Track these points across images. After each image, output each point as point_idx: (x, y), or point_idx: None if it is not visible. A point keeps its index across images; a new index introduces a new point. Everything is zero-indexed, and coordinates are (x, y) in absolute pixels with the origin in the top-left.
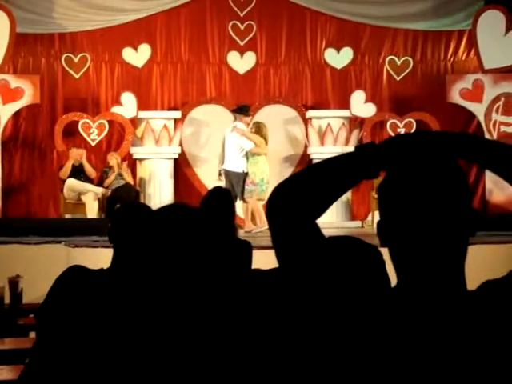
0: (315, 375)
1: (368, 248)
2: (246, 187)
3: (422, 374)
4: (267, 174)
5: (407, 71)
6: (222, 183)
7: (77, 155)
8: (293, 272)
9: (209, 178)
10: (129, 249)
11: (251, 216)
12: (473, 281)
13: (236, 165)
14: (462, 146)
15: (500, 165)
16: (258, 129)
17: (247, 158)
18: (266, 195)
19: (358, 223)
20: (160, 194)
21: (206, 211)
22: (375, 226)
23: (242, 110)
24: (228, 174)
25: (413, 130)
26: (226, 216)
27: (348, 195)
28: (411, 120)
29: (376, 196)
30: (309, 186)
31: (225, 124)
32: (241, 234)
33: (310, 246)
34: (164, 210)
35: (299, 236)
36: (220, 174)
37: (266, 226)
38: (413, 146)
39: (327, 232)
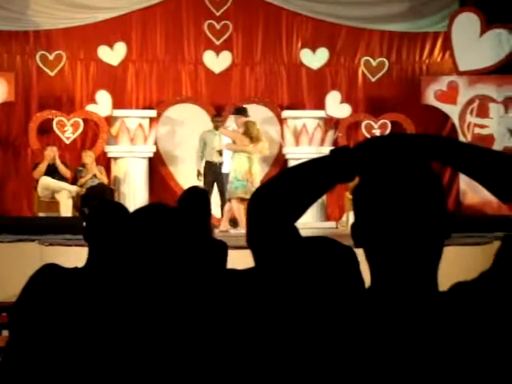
0: (289, 376)
1: (343, 249)
2: (226, 185)
3: (394, 373)
4: (247, 171)
5: (382, 72)
6: (201, 183)
7: (51, 153)
8: (268, 272)
9: (184, 177)
10: (104, 247)
11: (231, 216)
12: (446, 282)
13: (227, 166)
14: (436, 149)
15: (473, 167)
16: (246, 127)
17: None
18: (247, 193)
19: (332, 224)
20: (135, 193)
21: (182, 211)
22: (350, 226)
23: (237, 112)
24: (224, 176)
25: (388, 130)
26: (201, 216)
27: (323, 196)
28: (386, 121)
29: (350, 197)
30: (286, 189)
31: (200, 123)
32: (217, 233)
33: (287, 247)
34: (141, 210)
35: (277, 238)
36: (199, 174)
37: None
38: (387, 148)
39: (302, 232)
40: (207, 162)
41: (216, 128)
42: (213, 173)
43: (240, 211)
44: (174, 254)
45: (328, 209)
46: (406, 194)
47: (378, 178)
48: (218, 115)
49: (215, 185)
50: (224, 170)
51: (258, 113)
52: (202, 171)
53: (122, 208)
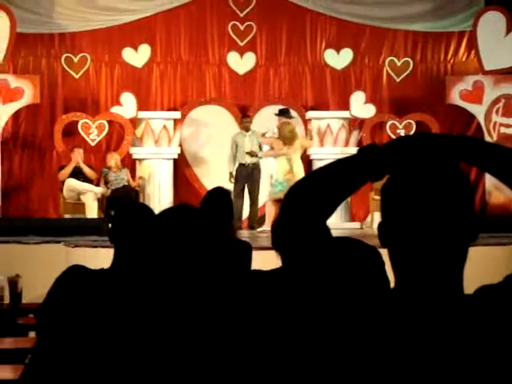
0: (315, 377)
1: (368, 249)
2: (258, 187)
3: (417, 376)
4: (288, 171)
5: (407, 72)
6: (232, 185)
7: (77, 155)
8: (295, 272)
9: (208, 178)
10: (130, 249)
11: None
12: (471, 283)
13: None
14: (462, 149)
15: (499, 168)
16: (278, 130)
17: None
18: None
19: (357, 224)
20: (159, 194)
21: (205, 212)
22: (374, 227)
23: (279, 113)
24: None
25: (412, 131)
26: (224, 217)
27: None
28: (411, 121)
29: (375, 197)
30: (317, 188)
31: (224, 125)
32: (246, 234)
33: (316, 247)
34: (166, 211)
35: (308, 236)
36: (231, 176)
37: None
38: (416, 148)
39: None
40: (240, 165)
41: (245, 129)
42: (245, 174)
43: (271, 210)
44: (197, 256)
45: (353, 209)
46: (434, 195)
47: (407, 178)
48: (246, 116)
49: (246, 187)
50: (265, 171)
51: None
52: (234, 173)
53: (147, 209)
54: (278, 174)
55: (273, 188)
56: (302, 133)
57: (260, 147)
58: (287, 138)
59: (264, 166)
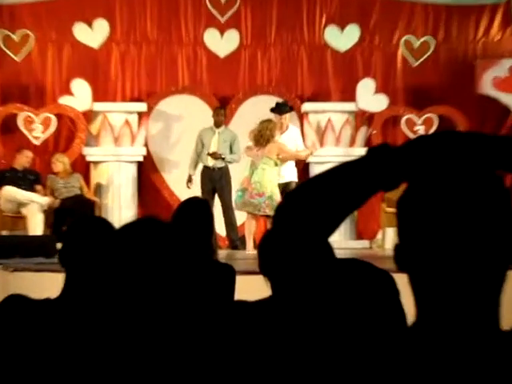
0: None
1: (379, 274)
2: (250, 200)
3: None
4: (246, 179)
5: (427, 55)
6: (195, 192)
7: (24, 161)
8: (288, 304)
9: (181, 186)
10: (84, 274)
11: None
12: (508, 313)
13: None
14: (497, 152)
15: None
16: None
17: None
18: (244, 206)
19: (365, 243)
20: (120, 205)
21: (179, 227)
22: (387, 246)
23: (275, 109)
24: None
25: (434, 128)
26: (202, 233)
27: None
28: (432, 116)
29: (388, 209)
30: (318, 199)
31: (201, 119)
32: (222, 255)
33: (315, 272)
34: (129, 226)
35: (306, 258)
36: (189, 181)
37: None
38: (438, 150)
39: None
40: (204, 167)
41: (216, 124)
42: (211, 180)
43: (246, 226)
44: (169, 282)
45: (359, 224)
46: (464, 208)
47: (429, 187)
48: (220, 108)
49: (216, 196)
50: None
51: (271, 105)
52: (193, 177)
53: (105, 224)
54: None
55: (235, 195)
56: (295, 136)
57: (231, 149)
58: (255, 137)
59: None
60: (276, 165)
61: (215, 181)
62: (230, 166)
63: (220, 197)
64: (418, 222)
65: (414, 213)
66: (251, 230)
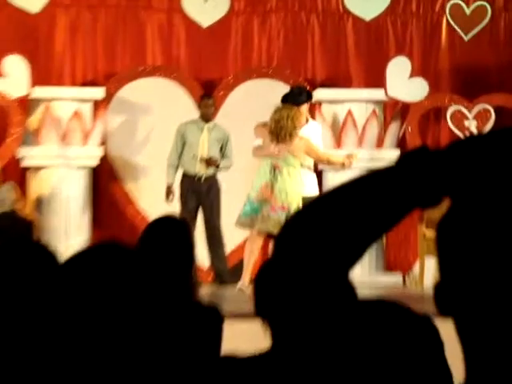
0: None
1: (417, 320)
2: (271, 214)
3: None
4: (264, 187)
5: (482, 25)
6: (174, 209)
7: None
8: (295, 358)
9: (149, 199)
10: (19, 317)
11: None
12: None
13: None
14: None
15: None
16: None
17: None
18: (261, 223)
19: (397, 277)
20: (68, 225)
21: (146, 257)
22: (426, 281)
23: (287, 98)
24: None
25: (489, 123)
26: (179, 265)
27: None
28: (487, 106)
29: (428, 233)
30: (335, 220)
31: (177, 110)
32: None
33: (332, 316)
34: (81, 256)
35: (320, 298)
36: (170, 192)
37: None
38: (499, 155)
39: None
40: (185, 175)
41: (204, 117)
42: (195, 193)
43: (247, 251)
44: (135, 333)
45: (390, 253)
46: None
47: (482, 205)
48: (206, 96)
49: (200, 212)
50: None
51: (272, 93)
52: (174, 188)
53: (46, 252)
54: (253, 188)
55: (243, 208)
56: (317, 135)
57: (223, 152)
58: (271, 129)
59: (229, 177)
60: (301, 165)
61: (201, 194)
62: (224, 174)
63: (206, 215)
64: (466, 253)
65: (459, 240)
66: (254, 254)
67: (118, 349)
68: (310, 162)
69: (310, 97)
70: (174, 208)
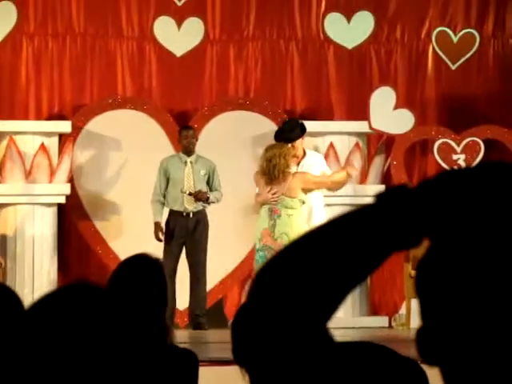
0: None
1: (404, 365)
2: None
3: None
4: (266, 232)
5: (470, 53)
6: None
7: None
8: None
9: (121, 238)
10: None
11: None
12: None
13: None
14: None
15: None
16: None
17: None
18: None
19: (383, 320)
20: (32, 267)
21: (119, 295)
22: (413, 323)
23: (279, 135)
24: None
25: (479, 157)
26: (152, 306)
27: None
28: (476, 139)
29: (414, 272)
30: (312, 265)
31: (149, 144)
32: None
33: (313, 362)
34: (49, 298)
35: (299, 344)
36: (159, 230)
37: None
38: (481, 191)
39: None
40: (172, 212)
41: (186, 151)
42: (183, 231)
43: None
44: (107, 373)
45: (375, 295)
46: None
47: (463, 246)
48: (186, 128)
49: (184, 251)
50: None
51: (249, 126)
52: (162, 226)
53: (10, 296)
54: (256, 236)
55: (254, 259)
56: (319, 164)
57: (211, 185)
58: (263, 169)
59: (218, 212)
60: (303, 203)
61: (189, 230)
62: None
63: (191, 254)
64: (447, 297)
65: (438, 282)
66: None
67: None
68: (317, 197)
69: (303, 130)
70: (146, 248)
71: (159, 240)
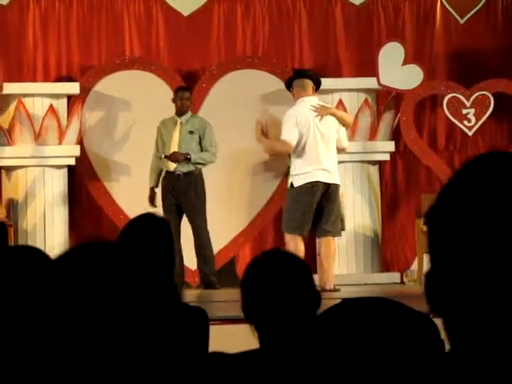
0: None
1: (416, 319)
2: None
3: None
4: None
5: (478, 7)
6: (157, 210)
7: None
8: (283, 356)
9: (131, 199)
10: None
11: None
12: None
13: (336, 175)
14: None
15: None
16: None
17: None
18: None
19: (394, 276)
20: (44, 228)
21: (128, 253)
22: (424, 279)
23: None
24: (329, 195)
25: (489, 110)
26: (161, 265)
27: (377, 229)
28: (486, 93)
29: (425, 229)
30: None
31: (157, 104)
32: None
33: (324, 314)
34: (67, 255)
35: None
36: (153, 196)
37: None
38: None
39: (344, 291)
40: (167, 174)
41: (180, 111)
42: (173, 192)
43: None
44: (124, 327)
45: (387, 251)
46: None
47: (474, 196)
48: (184, 88)
49: (183, 214)
50: (332, 180)
51: (258, 84)
52: (155, 191)
53: (36, 253)
54: None
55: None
56: None
57: (202, 145)
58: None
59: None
60: None
61: (180, 193)
62: (208, 170)
63: (189, 218)
64: (453, 241)
65: (446, 228)
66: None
67: (108, 346)
68: None
69: (289, 81)
70: (155, 208)
71: (153, 205)
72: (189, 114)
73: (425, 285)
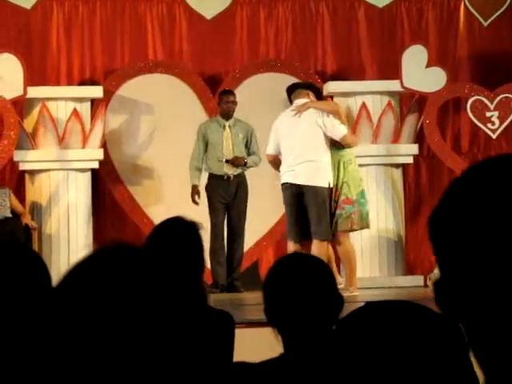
0: None
1: (441, 322)
2: (336, 212)
3: None
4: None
5: (502, 10)
6: (195, 214)
7: None
8: (307, 363)
9: (155, 203)
10: (20, 332)
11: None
12: None
13: (319, 175)
14: None
15: None
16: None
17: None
18: (368, 220)
19: (418, 279)
20: (68, 232)
21: (156, 257)
22: (433, 288)
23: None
24: (304, 196)
25: None
26: (190, 270)
27: (401, 232)
28: (509, 96)
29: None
30: None
31: (181, 108)
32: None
33: (348, 318)
34: (87, 262)
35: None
36: (196, 193)
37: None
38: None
39: (367, 294)
40: (212, 176)
41: (224, 115)
42: (225, 194)
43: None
44: (149, 332)
45: (410, 254)
46: None
47: (477, 196)
48: (227, 92)
49: (226, 216)
50: (308, 182)
51: (280, 87)
52: (199, 189)
53: (40, 263)
54: (360, 182)
55: (358, 207)
56: (320, 119)
57: (249, 148)
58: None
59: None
60: None
61: (230, 194)
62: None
63: (232, 217)
64: (459, 245)
65: (451, 232)
66: (331, 257)
67: (132, 350)
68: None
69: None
70: (180, 213)
71: (195, 203)
72: (233, 118)
73: (435, 292)
